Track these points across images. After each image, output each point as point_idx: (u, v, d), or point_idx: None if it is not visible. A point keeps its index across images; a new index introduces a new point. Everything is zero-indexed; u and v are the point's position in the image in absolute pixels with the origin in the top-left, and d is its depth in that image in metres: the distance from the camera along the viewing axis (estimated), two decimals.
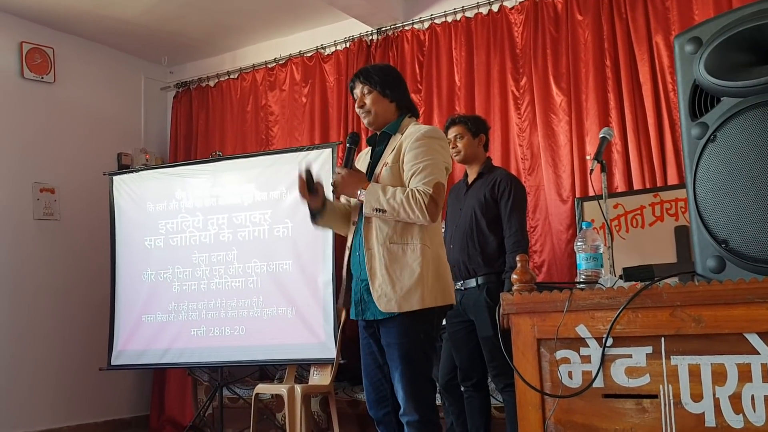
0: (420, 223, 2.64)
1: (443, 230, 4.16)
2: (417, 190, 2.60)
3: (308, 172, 2.78)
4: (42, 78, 5.84)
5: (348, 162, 2.75)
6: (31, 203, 5.70)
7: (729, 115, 1.94)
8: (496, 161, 4.95)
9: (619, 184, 4.54)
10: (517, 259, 2.15)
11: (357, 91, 2.85)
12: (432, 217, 2.61)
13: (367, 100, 2.81)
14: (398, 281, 2.61)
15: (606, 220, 2.95)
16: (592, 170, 3.10)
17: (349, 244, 2.85)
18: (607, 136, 3.22)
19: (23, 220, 5.63)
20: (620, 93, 4.66)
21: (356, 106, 2.86)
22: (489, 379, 3.77)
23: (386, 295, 2.62)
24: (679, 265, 3.16)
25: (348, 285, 2.83)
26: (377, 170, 2.77)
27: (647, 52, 4.57)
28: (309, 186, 2.77)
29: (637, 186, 4.42)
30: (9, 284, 5.46)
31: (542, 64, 4.95)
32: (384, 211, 2.62)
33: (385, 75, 2.85)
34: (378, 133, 2.87)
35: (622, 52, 4.65)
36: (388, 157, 2.75)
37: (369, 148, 2.94)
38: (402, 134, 2.77)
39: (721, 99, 1.97)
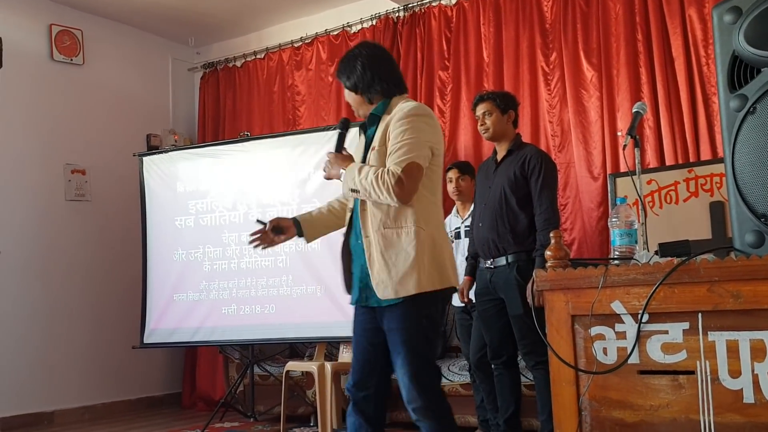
0: (390, 204, 2.53)
1: (471, 209, 4.15)
2: (387, 169, 2.50)
3: (259, 223, 2.81)
4: (71, 60, 5.88)
5: (339, 147, 2.72)
6: (63, 185, 5.77)
7: None
8: (526, 138, 4.89)
9: (651, 160, 4.47)
10: (551, 235, 2.14)
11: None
12: (400, 199, 2.49)
13: (350, 101, 2.75)
14: (393, 267, 2.52)
15: (639, 196, 2.91)
16: (625, 146, 3.05)
17: (344, 230, 2.76)
18: (641, 111, 3.17)
19: (55, 202, 5.70)
20: (652, 67, 4.58)
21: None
22: (519, 357, 3.76)
23: (383, 282, 2.54)
24: (714, 242, 3.11)
25: (348, 270, 2.75)
26: (369, 154, 2.67)
27: (680, 26, 4.48)
28: (274, 230, 2.78)
29: (669, 162, 4.35)
30: (42, 265, 5.54)
31: (572, 38, 4.88)
32: (357, 191, 2.56)
33: (344, 66, 2.72)
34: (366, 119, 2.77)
35: (654, 25, 4.56)
36: (376, 140, 2.65)
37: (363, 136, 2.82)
38: (390, 114, 2.65)
39: (762, 70, 1.93)
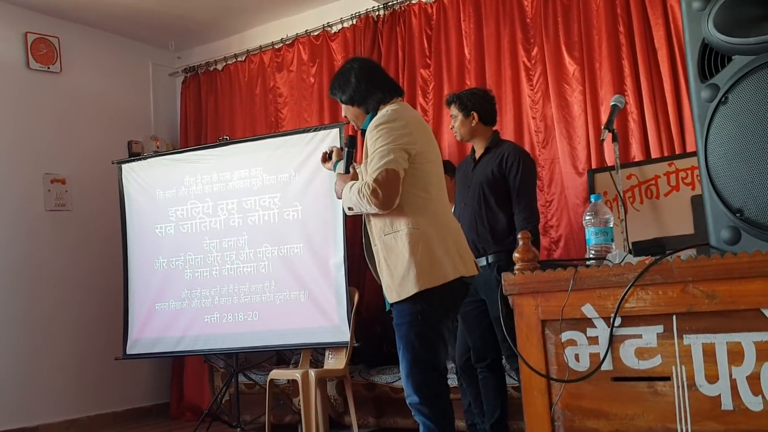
0: (375, 212, 2.65)
1: (453, 208, 4.06)
2: (365, 183, 2.59)
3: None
4: (48, 68, 5.78)
5: (347, 166, 2.85)
6: (43, 194, 5.67)
7: (741, 74, 1.80)
8: (509, 134, 4.82)
9: (636, 154, 4.37)
10: (519, 236, 2.04)
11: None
12: (381, 206, 2.58)
13: (345, 114, 2.90)
14: (395, 270, 2.63)
15: (619, 192, 2.83)
16: (603, 140, 2.97)
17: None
18: (618, 104, 3.09)
19: (35, 212, 5.60)
20: (635, 59, 4.48)
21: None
22: (504, 359, 3.67)
23: (389, 287, 2.66)
24: (696, 237, 3.02)
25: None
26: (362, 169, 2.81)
27: (662, 16, 4.38)
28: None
29: (655, 155, 4.26)
30: (23, 276, 5.44)
31: (554, 32, 4.79)
32: (351, 209, 2.70)
33: (344, 83, 2.84)
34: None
35: (636, 17, 4.47)
36: (364, 153, 2.74)
37: None
38: None
39: (733, 58, 1.83)
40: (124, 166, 5.49)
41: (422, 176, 2.67)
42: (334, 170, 3.04)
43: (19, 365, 5.33)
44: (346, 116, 2.89)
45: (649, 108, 4.38)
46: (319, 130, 4.92)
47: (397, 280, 2.60)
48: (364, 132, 2.78)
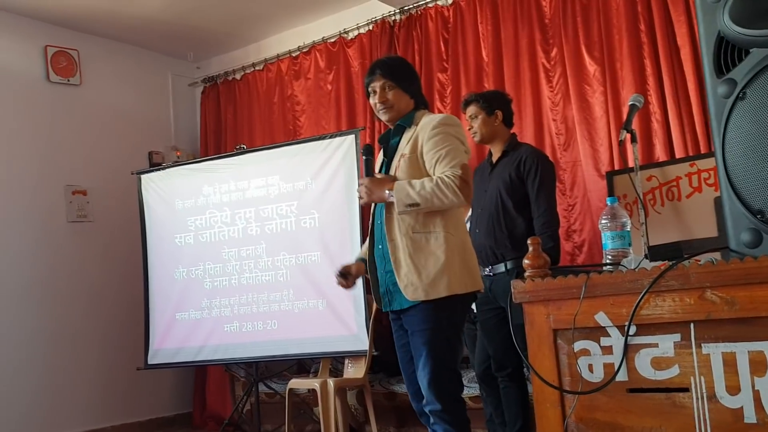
0: (455, 207, 2.64)
1: (469, 214, 3.98)
2: (445, 175, 2.58)
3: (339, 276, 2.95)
4: (68, 81, 5.81)
5: (368, 173, 2.78)
6: (64, 206, 5.69)
7: (760, 68, 1.72)
8: (529, 137, 4.74)
9: (660, 155, 4.26)
10: (529, 242, 1.97)
11: (376, 85, 2.81)
12: (466, 198, 2.60)
13: (390, 95, 2.79)
14: (424, 269, 2.60)
15: (638, 194, 2.73)
16: (621, 141, 2.87)
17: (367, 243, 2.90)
18: (637, 104, 2.99)
19: (57, 223, 5.63)
20: (657, 58, 4.37)
21: (377, 99, 2.80)
22: (525, 368, 3.58)
23: (413, 284, 2.60)
24: (720, 240, 2.91)
25: (374, 278, 2.84)
26: (395, 162, 2.77)
27: (684, 13, 4.26)
28: (342, 275, 2.95)
29: (679, 155, 4.14)
30: (45, 287, 5.46)
31: (573, 33, 4.69)
32: (417, 205, 2.60)
33: (405, 70, 2.87)
34: (391, 128, 2.86)
35: (657, 14, 4.36)
36: (405, 148, 2.75)
37: (381, 148, 2.95)
38: (417, 125, 2.77)
39: (750, 51, 1.75)
40: (143, 176, 5.49)
41: None
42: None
43: (44, 376, 5.35)
44: (385, 100, 2.78)
45: (673, 108, 4.26)
46: (335, 136, 4.87)
47: (427, 280, 2.58)
48: (399, 128, 2.80)
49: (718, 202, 3.07)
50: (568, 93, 4.69)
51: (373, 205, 2.84)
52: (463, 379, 4.30)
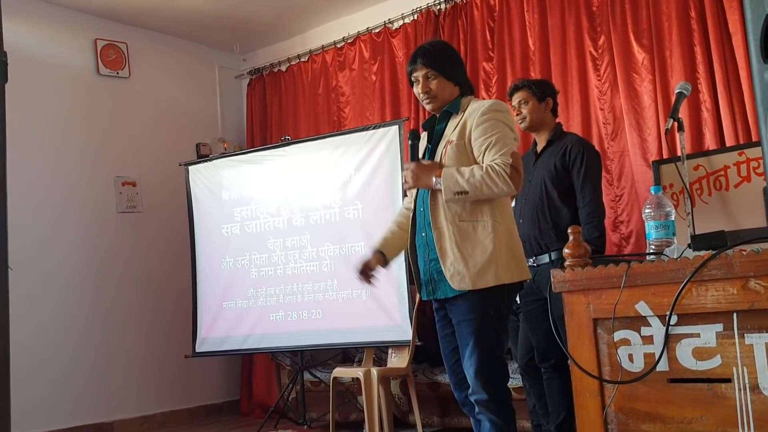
0: (506, 195, 2.60)
1: (513, 204, 3.96)
2: (495, 163, 2.54)
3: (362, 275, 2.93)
4: (117, 73, 5.94)
5: (414, 158, 2.74)
6: (114, 197, 5.83)
7: None
8: (576, 127, 4.68)
9: (710, 144, 4.16)
10: (569, 231, 1.95)
11: (419, 74, 2.77)
12: (517, 187, 2.56)
13: (433, 85, 2.74)
14: (471, 258, 2.57)
15: (685, 184, 2.69)
16: (668, 129, 2.83)
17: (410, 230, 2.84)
18: (684, 92, 2.94)
19: (107, 214, 5.76)
20: (707, 45, 4.26)
21: (420, 89, 2.77)
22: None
23: (459, 273, 2.58)
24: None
25: (415, 266, 2.81)
26: (441, 148, 2.73)
27: None
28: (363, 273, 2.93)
29: (729, 144, 4.04)
30: (97, 277, 5.61)
31: (621, 20, 4.61)
32: (466, 193, 2.56)
33: (448, 56, 2.80)
34: (437, 115, 2.83)
35: (708, 0, 4.26)
36: (452, 135, 2.70)
37: (425, 133, 2.91)
38: (464, 112, 2.72)
39: None
40: (190, 167, 5.59)
41: None
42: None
43: (94, 363, 5.50)
44: (428, 89, 2.74)
45: (724, 96, 4.16)
46: (379, 127, 4.89)
47: (474, 269, 2.56)
48: (445, 114, 2.77)
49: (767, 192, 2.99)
50: (616, 82, 4.62)
51: (413, 192, 2.82)
52: None
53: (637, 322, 1.79)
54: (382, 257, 2.92)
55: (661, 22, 4.45)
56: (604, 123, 4.70)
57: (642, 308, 1.78)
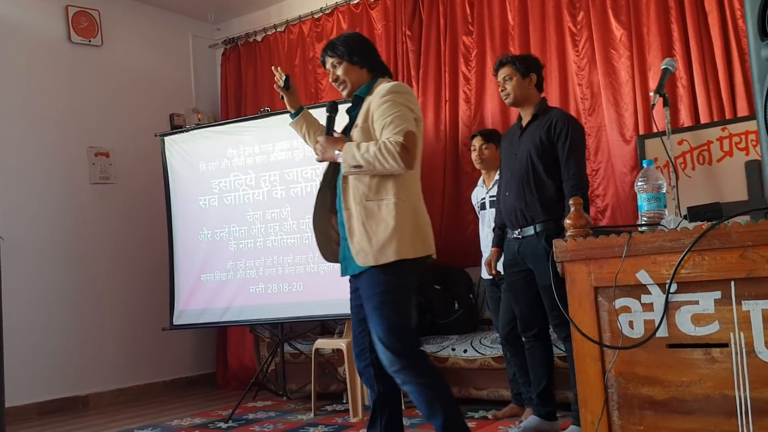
0: (396, 172, 2.69)
1: (496, 178, 4.02)
2: (388, 140, 2.65)
3: (286, 75, 3.12)
4: (89, 41, 5.83)
5: (329, 130, 2.90)
6: (87, 168, 5.75)
7: None
8: (554, 102, 4.74)
9: (685, 120, 4.27)
10: (571, 202, 2.01)
11: (327, 66, 2.96)
12: (406, 165, 2.65)
13: (339, 72, 2.91)
14: (374, 236, 2.69)
15: (670, 158, 2.76)
16: (653, 105, 2.90)
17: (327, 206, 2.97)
18: (670, 68, 3.01)
19: (80, 185, 5.69)
20: (684, 23, 4.36)
21: (330, 80, 2.97)
22: (550, 329, 3.64)
23: (363, 250, 2.71)
24: (750, 203, 2.94)
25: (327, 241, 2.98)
26: (351, 133, 2.87)
27: None
28: (286, 84, 3.10)
29: (704, 121, 4.15)
30: (69, 249, 5.55)
31: None
32: (360, 167, 2.70)
33: (355, 43, 2.93)
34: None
35: None
36: (358, 118, 2.84)
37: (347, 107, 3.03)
38: (371, 95, 2.84)
39: None
40: (166, 138, 5.53)
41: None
42: (293, 118, 3.19)
43: (69, 336, 5.46)
44: (336, 77, 2.91)
45: (699, 73, 4.26)
46: None
47: (377, 246, 2.67)
48: (356, 99, 2.90)
49: (749, 167, 3.10)
50: (594, 57, 4.69)
51: (325, 165, 2.94)
52: (485, 340, 4.40)
53: (637, 290, 1.86)
54: (296, 102, 3.23)
55: None
56: (581, 98, 4.77)
57: (642, 277, 1.84)
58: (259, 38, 6.46)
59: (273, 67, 3.25)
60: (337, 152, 2.76)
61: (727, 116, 4.08)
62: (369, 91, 2.86)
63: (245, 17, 6.60)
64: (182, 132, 5.54)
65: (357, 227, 2.73)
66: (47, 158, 5.49)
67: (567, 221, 1.97)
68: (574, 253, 1.94)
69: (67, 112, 5.66)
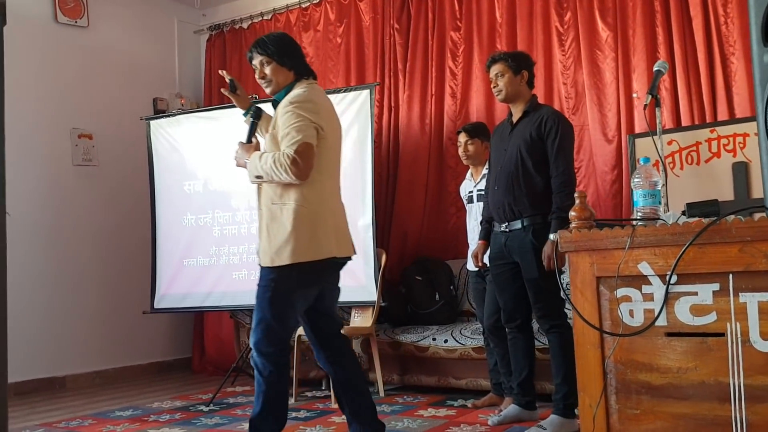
0: (291, 182, 2.77)
1: (484, 172, 4.10)
2: (282, 152, 2.75)
3: (231, 78, 3.20)
4: (76, 22, 5.78)
5: (249, 136, 3.04)
6: (70, 149, 5.71)
7: None
8: (539, 100, 4.82)
9: (667, 121, 4.39)
10: (576, 195, 2.09)
11: (256, 62, 3.00)
12: (297, 176, 2.74)
13: (267, 71, 2.97)
14: (273, 238, 2.83)
15: (660, 157, 2.86)
16: (646, 105, 2.99)
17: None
18: (662, 70, 3.11)
19: (63, 167, 5.65)
20: (669, 27, 4.48)
21: (257, 75, 3.01)
22: (533, 321, 3.73)
23: (264, 250, 2.88)
24: (736, 203, 3.06)
25: None
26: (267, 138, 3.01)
27: None
28: (232, 86, 3.16)
29: (685, 123, 4.28)
30: (51, 231, 5.51)
31: None
32: (261, 177, 2.85)
33: (284, 44, 2.99)
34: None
35: None
36: (270, 125, 2.97)
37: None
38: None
39: None
40: (152, 122, 5.51)
41: (320, 158, 2.84)
42: (245, 117, 3.21)
43: (48, 317, 5.43)
44: (264, 75, 2.96)
45: (682, 77, 4.38)
46: (350, 91, 4.93)
47: (274, 248, 2.80)
48: (275, 104, 2.97)
49: (735, 168, 3.23)
50: (580, 57, 4.79)
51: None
52: (465, 331, 4.47)
53: (638, 280, 1.94)
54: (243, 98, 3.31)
55: (626, 2, 4.64)
56: (566, 97, 4.87)
57: (644, 268, 1.93)
58: (245, 25, 6.45)
59: (220, 71, 3.40)
60: (246, 161, 2.93)
61: (708, 119, 4.21)
62: (286, 95, 2.93)
63: (232, 4, 6.59)
64: (168, 116, 5.53)
65: (263, 228, 2.89)
66: (30, 138, 5.43)
67: (572, 213, 2.05)
68: (578, 243, 2.01)
69: (51, 92, 5.61)
